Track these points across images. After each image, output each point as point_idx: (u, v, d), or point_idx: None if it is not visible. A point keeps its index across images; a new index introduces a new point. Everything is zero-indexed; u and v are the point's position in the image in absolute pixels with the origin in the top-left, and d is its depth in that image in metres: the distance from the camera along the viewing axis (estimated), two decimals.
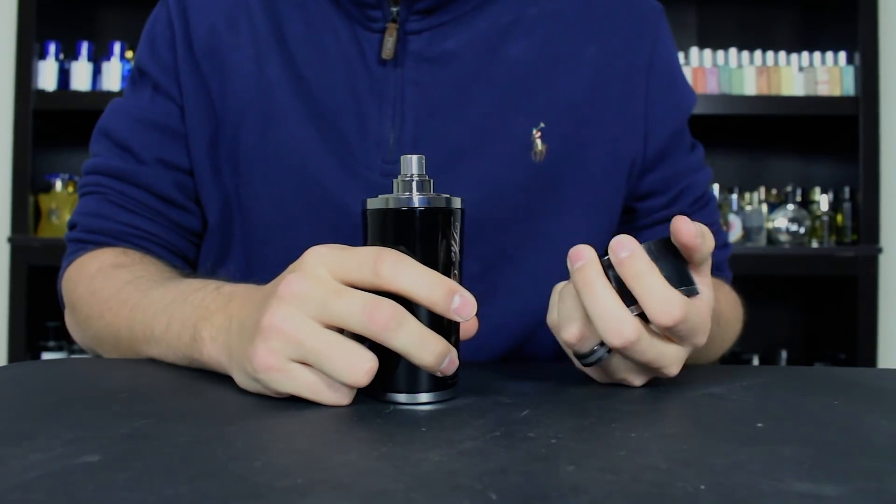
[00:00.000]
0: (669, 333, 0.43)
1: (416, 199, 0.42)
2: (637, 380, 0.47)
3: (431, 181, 0.43)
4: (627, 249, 0.42)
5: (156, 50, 0.72)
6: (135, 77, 0.74)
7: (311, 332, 0.39)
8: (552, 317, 0.47)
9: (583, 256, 0.43)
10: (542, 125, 0.68)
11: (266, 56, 0.69)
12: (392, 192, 0.43)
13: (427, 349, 0.39)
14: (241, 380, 0.43)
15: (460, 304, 0.39)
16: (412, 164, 0.43)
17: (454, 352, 0.40)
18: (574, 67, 0.70)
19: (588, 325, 0.43)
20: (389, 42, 0.66)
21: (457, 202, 0.43)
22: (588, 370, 0.47)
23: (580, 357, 0.45)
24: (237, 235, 0.71)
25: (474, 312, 0.40)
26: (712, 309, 0.46)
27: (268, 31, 0.69)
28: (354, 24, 0.69)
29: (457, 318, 0.39)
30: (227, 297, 0.49)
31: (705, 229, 0.44)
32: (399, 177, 0.43)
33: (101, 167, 0.71)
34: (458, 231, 0.43)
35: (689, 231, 0.43)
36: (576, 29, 0.71)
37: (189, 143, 0.71)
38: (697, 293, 0.44)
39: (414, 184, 0.42)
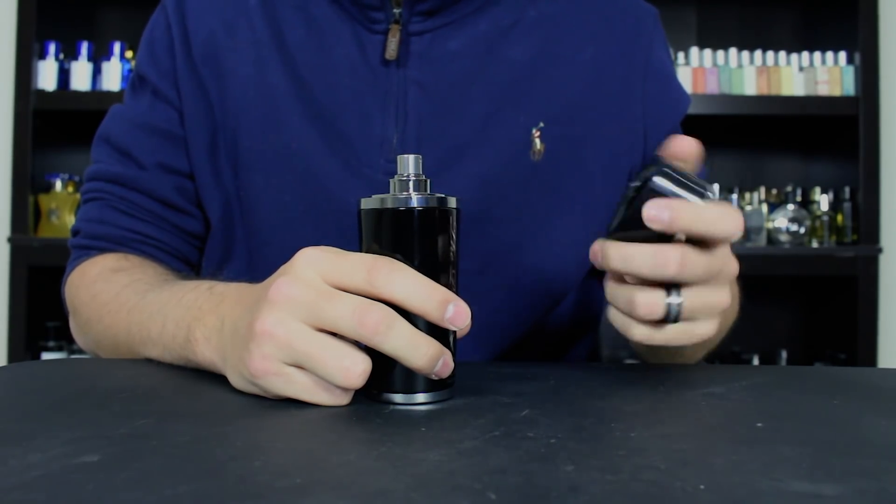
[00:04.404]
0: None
1: (415, 199, 0.41)
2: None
3: (428, 181, 0.43)
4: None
5: (155, 55, 0.72)
6: (134, 82, 0.74)
7: (302, 337, 0.39)
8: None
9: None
10: (540, 124, 0.68)
11: (266, 60, 0.69)
12: (389, 192, 0.43)
13: (418, 352, 0.39)
14: (236, 381, 0.43)
15: (454, 314, 0.39)
16: (409, 164, 0.43)
17: (448, 354, 0.40)
18: (572, 68, 0.71)
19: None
20: (393, 43, 0.67)
21: (453, 202, 0.43)
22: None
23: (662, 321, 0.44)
24: (239, 237, 0.71)
25: (468, 321, 0.40)
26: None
27: (267, 36, 0.70)
28: (356, 26, 0.69)
29: (450, 327, 0.40)
30: (219, 297, 0.49)
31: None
32: (396, 176, 0.43)
33: (103, 173, 0.71)
34: (455, 230, 0.43)
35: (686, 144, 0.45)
36: (573, 31, 0.72)
37: (189, 147, 0.71)
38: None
39: (411, 183, 0.42)
